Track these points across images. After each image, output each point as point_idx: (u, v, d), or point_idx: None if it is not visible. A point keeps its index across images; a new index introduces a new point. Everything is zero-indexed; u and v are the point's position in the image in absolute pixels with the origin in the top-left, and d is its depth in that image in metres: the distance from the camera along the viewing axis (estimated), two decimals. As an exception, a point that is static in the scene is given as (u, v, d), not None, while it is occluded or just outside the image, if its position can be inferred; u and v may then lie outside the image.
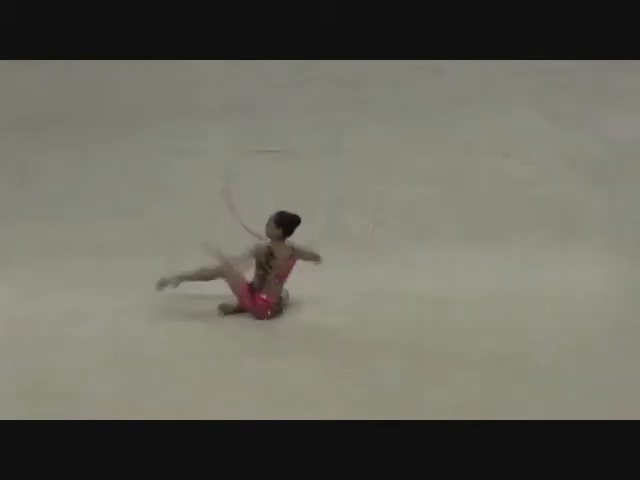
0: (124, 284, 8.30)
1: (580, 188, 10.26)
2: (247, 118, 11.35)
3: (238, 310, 7.83)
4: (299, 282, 7.99)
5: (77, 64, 10.91)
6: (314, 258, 7.87)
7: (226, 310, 7.83)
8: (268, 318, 7.75)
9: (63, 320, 7.71)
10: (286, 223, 7.80)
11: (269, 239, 7.80)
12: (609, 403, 6.27)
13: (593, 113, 11.37)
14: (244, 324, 7.75)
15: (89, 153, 10.70)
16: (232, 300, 7.87)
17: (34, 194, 10.05)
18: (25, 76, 11.36)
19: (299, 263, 7.95)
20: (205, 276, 7.81)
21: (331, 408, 6.22)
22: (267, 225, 7.80)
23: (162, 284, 7.78)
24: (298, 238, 8.01)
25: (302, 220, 7.90)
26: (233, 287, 7.78)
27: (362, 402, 6.35)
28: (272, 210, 8.03)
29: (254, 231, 7.86)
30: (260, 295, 7.73)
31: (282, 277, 7.82)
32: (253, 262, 7.77)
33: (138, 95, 11.58)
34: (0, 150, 10.80)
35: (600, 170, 10.51)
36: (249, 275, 7.89)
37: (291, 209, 8.03)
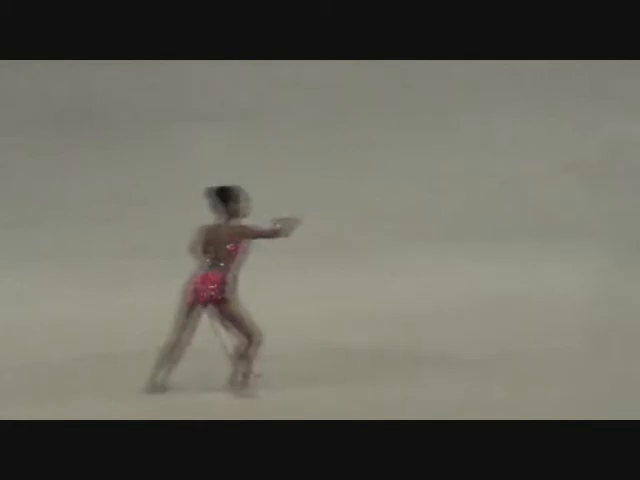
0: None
1: (574, 190, 10.23)
2: (244, 121, 11.35)
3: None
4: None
5: (68, 64, 10.67)
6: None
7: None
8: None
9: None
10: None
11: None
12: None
13: (592, 115, 11.31)
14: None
15: (80, 157, 10.71)
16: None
17: (21, 197, 10.11)
18: (17, 77, 11.33)
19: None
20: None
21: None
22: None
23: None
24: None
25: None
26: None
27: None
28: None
29: None
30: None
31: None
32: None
33: (135, 97, 11.55)
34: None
35: (596, 173, 10.46)
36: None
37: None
